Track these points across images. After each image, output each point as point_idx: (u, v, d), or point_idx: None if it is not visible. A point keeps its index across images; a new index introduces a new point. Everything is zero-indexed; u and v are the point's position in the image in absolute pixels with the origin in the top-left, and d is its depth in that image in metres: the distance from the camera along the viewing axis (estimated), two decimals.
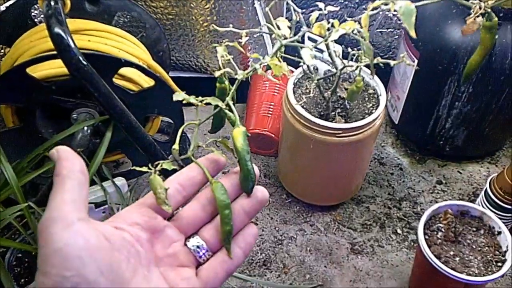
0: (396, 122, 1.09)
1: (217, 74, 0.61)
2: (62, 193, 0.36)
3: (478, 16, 0.57)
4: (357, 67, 0.71)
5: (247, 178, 0.46)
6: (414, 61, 0.95)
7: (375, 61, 0.66)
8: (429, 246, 0.73)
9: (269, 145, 1.05)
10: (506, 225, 0.89)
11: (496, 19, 0.60)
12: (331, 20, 0.59)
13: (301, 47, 0.60)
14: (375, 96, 0.86)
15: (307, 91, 0.87)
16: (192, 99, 0.55)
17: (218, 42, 1.15)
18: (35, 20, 0.85)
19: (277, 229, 0.95)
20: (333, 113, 0.85)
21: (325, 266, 0.90)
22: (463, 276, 0.69)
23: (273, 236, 0.94)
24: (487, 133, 0.99)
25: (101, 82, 0.67)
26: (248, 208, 0.43)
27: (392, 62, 0.65)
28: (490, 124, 0.97)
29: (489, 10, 0.58)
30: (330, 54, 0.75)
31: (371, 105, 0.85)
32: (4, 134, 0.80)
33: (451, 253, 0.73)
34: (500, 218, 0.87)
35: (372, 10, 0.57)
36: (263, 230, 0.95)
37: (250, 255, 0.91)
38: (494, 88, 0.89)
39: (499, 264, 0.72)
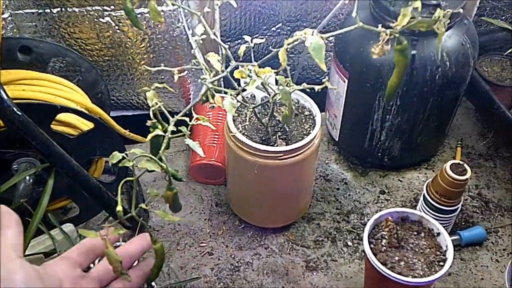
0: (337, 139, 1.14)
1: (148, 123, 0.64)
2: (3, 240, 0.44)
3: (386, 42, 0.62)
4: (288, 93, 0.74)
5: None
6: (344, 81, 1.00)
7: (302, 86, 0.70)
8: (375, 254, 0.76)
9: (217, 174, 1.07)
10: (446, 227, 0.95)
11: (406, 42, 0.66)
12: (250, 67, 0.63)
13: (223, 95, 0.64)
14: (311, 117, 0.90)
15: (246, 117, 0.90)
16: (127, 162, 0.58)
17: (157, 79, 1.17)
18: None
19: (233, 256, 0.96)
20: (274, 137, 0.89)
21: (282, 287, 0.91)
22: (409, 279, 0.73)
23: (230, 264, 0.95)
24: (420, 142, 1.06)
25: (37, 130, 0.67)
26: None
27: (316, 87, 0.69)
28: (421, 133, 1.03)
29: (397, 35, 0.63)
30: (262, 84, 0.79)
31: (308, 125, 0.89)
32: None
33: (396, 258, 0.77)
34: (439, 220, 0.92)
35: (289, 44, 0.61)
36: (219, 259, 0.96)
37: (209, 285, 0.91)
38: (419, 99, 0.95)
39: (441, 263, 0.76)
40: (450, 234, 0.99)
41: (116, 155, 0.59)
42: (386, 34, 0.61)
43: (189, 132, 0.64)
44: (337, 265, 0.95)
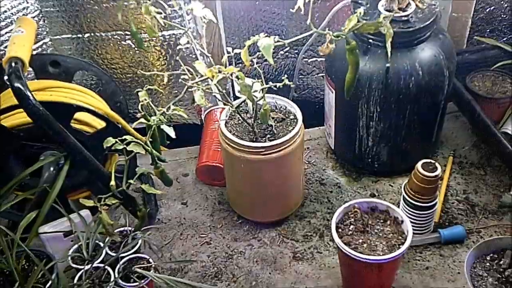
0: (333, 147, 1.24)
1: (138, 115, 0.79)
2: None
3: (331, 43, 0.74)
4: (263, 91, 0.87)
5: None
6: (332, 92, 1.12)
7: (270, 84, 0.82)
8: (341, 237, 0.86)
9: (221, 176, 1.19)
10: (426, 224, 1.01)
11: (354, 42, 0.78)
12: (217, 66, 0.77)
13: (196, 90, 0.79)
14: (295, 120, 1.02)
15: (239, 121, 1.03)
16: (118, 145, 0.73)
17: (173, 94, 1.33)
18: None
19: (228, 246, 1.07)
20: (263, 139, 1.01)
21: (269, 273, 1.01)
22: (365, 256, 0.81)
23: (224, 252, 1.06)
24: (406, 148, 1.14)
25: (55, 123, 0.83)
26: None
27: (278, 84, 0.81)
28: (405, 139, 1.11)
29: (345, 37, 0.75)
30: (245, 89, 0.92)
31: (292, 128, 1.01)
32: None
33: (360, 241, 0.85)
34: (417, 216, 1.00)
35: (248, 45, 0.75)
36: (215, 248, 1.07)
37: (203, 269, 1.03)
38: (397, 106, 1.05)
39: (401, 246, 0.84)
40: (432, 232, 1.05)
41: (110, 140, 0.74)
42: (330, 35, 0.74)
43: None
44: (322, 256, 1.04)
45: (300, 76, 1.48)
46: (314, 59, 1.44)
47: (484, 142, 1.24)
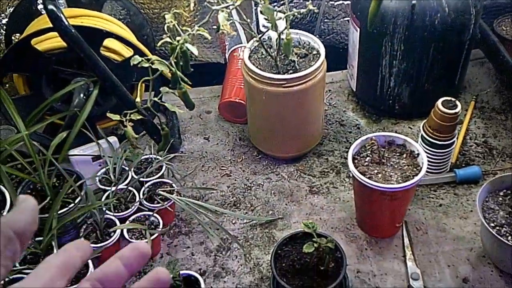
0: (354, 89, 1.25)
1: (164, 36, 0.82)
2: None
3: None
4: (286, 20, 0.88)
5: None
6: (357, 30, 1.12)
7: (293, 11, 0.83)
8: (356, 167, 0.88)
9: (243, 113, 1.22)
10: (443, 163, 1.03)
11: None
12: None
13: (221, 11, 0.80)
14: (318, 55, 1.03)
15: (263, 56, 1.05)
16: (144, 63, 0.76)
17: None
18: (42, 11, 1.06)
19: (247, 178, 1.11)
20: (286, 73, 1.02)
21: (286, 204, 1.05)
22: (379, 184, 0.84)
23: (243, 184, 1.10)
24: (428, 89, 1.14)
25: (86, 46, 0.86)
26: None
27: (302, 10, 0.82)
28: (427, 79, 1.12)
29: None
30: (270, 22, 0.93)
31: (315, 63, 1.02)
32: (17, 100, 1.00)
33: (375, 171, 0.88)
34: (433, 155, 1.01)
35: None
36: (235, 180, 1.11)
37: (222, 198, 1.07)
38: (421, 44, 1.04)
39: (415, 177, 0.86)
40: (448, 172, 1.07)
41: (137, 58, 0.77)
42: None
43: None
44: (337, 191, 1.07)
45: (326, 20, 1.47)
46: (340, 2, 1.43)
47: (508, 88, 1.24)
